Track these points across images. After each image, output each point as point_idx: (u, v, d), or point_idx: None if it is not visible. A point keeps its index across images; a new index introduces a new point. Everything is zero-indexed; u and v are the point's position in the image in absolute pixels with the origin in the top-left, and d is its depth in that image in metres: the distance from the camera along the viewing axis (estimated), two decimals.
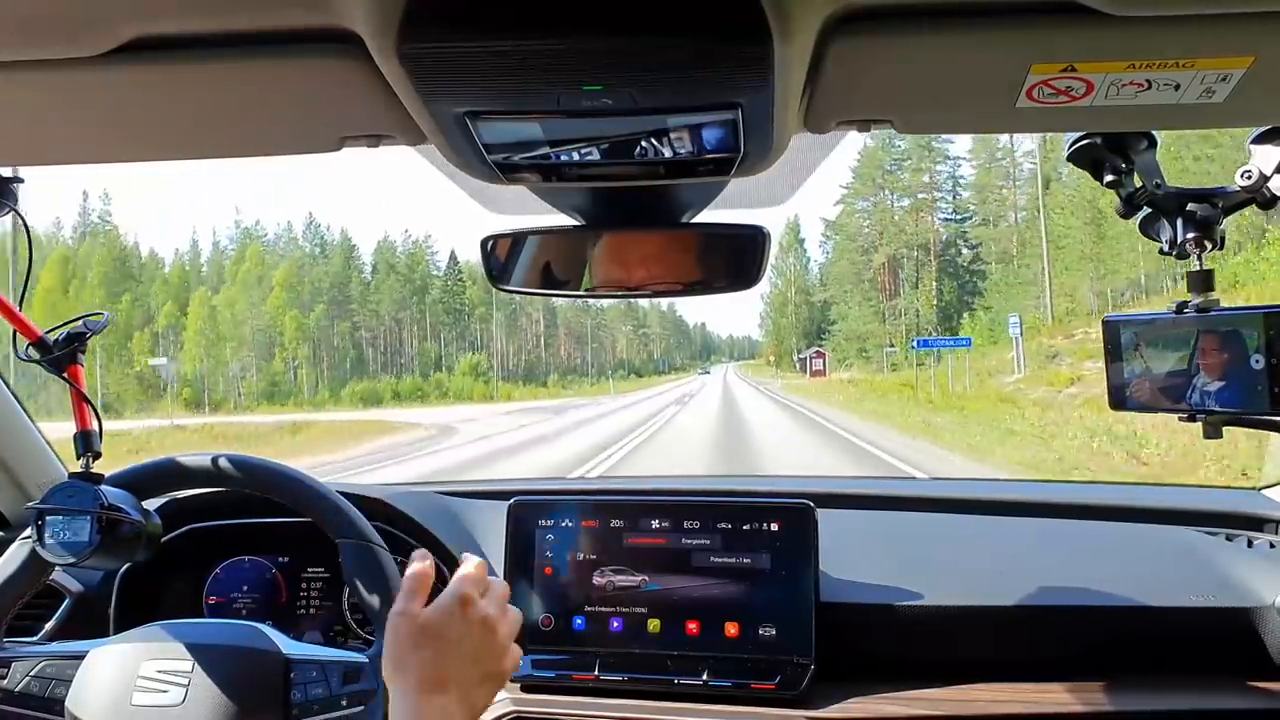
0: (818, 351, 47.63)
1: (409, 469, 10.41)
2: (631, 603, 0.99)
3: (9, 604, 0.77)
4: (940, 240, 45.65)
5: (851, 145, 44.94)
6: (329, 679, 0.74)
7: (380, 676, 0.72)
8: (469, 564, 0.67)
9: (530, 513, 1.04)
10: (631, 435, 12.41)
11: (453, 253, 68.53)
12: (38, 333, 0.79)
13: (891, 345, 41.49)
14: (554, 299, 0.85)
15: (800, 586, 0.96)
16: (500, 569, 1.04)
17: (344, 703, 0.74)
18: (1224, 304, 0.71)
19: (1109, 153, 0.73)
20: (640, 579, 0.99)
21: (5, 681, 0.76)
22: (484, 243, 0.78)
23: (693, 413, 17.59)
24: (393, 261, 59.25)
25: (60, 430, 0.96)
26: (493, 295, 61.18)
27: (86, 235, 50.89)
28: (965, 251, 44.95)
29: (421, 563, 0.66)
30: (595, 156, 0.55)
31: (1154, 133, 0.72)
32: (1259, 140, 0.73)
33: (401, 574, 0.78)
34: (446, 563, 1.07)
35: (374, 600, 0.77)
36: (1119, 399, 0.79)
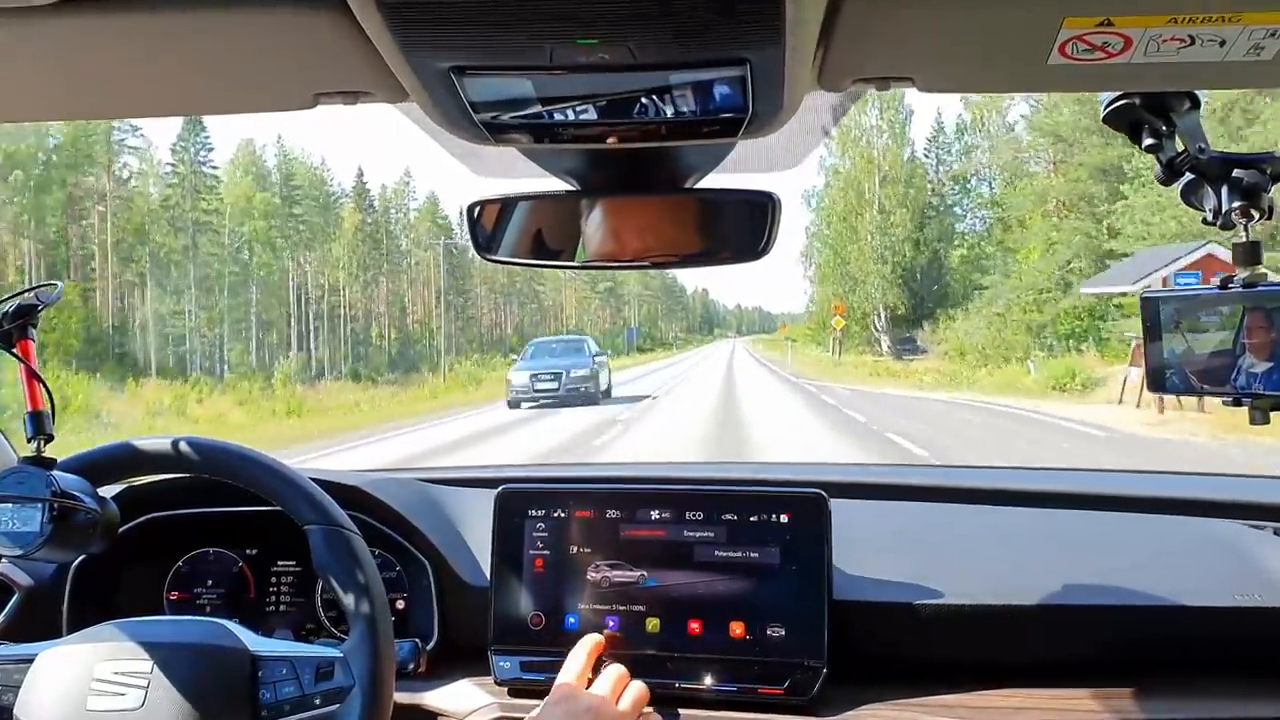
0: None
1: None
2: (628, 600, 1.01)
3: None
4: None
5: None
6: (300, 677, 0.76)
7: (355, 673, 0.75)
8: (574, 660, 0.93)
9: (519, 502, 1.05)
10: None
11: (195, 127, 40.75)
12: None
13: None
14: (546, 269, 0.86)
15: (811, 583, 0.97)
16: (486, 563, 1.06)
17: (317, 701, 0.75)
18: None
19: (1148, 114, 0.74)
20: (638, 574, 1.01)
21: None
22: (470, 209, 0.80)
23: None
24: None
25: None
26: (300, 214, 41.26)
27: None
28: None
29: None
30: (591, 116, 0.56)
31: (1197, 93, 0.73)
32: None
33: (378, 565, 0.82)
34: (426, 555, 1.09)
35: (347, 592, 0.78)
36: (1158, 381, 0.81)
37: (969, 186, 37.05)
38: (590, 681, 0.93)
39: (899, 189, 34.26)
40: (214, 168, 39.23)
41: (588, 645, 0.96)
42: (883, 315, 34.11)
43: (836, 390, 18.42)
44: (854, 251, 34.47)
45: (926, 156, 37.84)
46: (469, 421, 13.62)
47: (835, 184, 35.77)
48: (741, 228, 0.78)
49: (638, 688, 0.93)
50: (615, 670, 0.94)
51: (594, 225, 0.80)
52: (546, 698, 0.91)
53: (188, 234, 36.64)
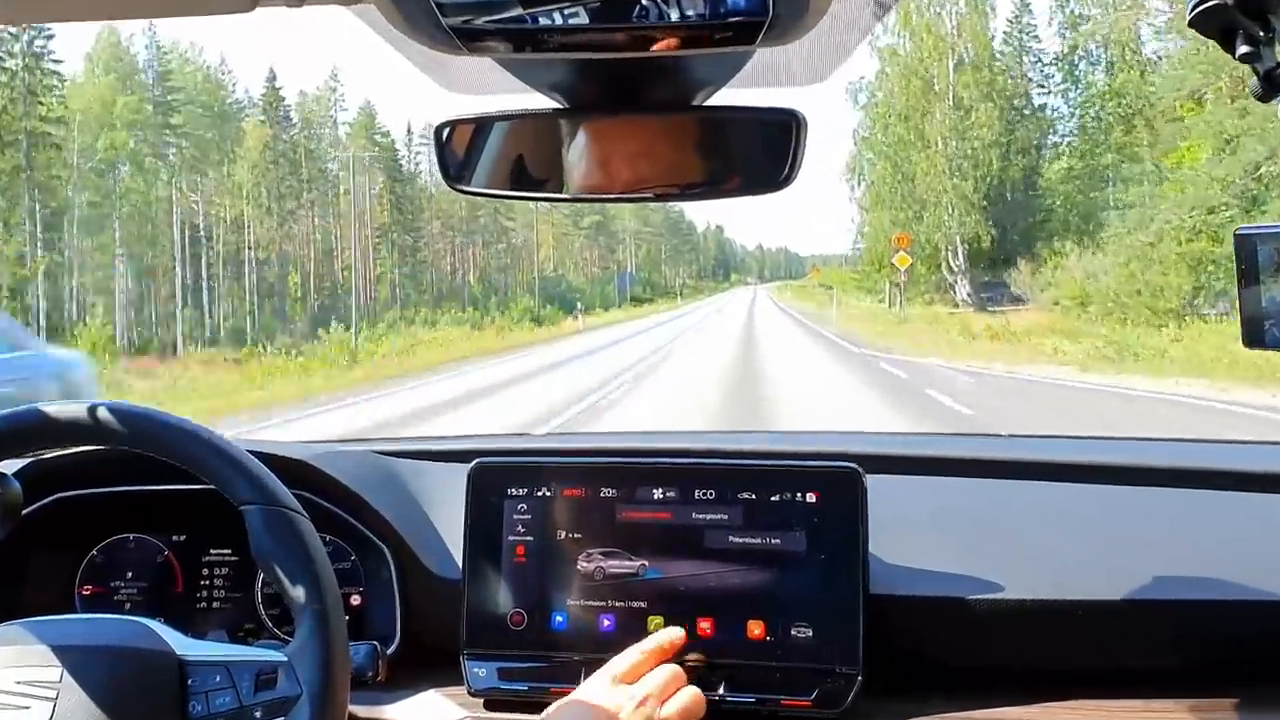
0: None
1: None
2: (627, 595, 1.06)
3: None
4: None
5: None
6: (238, 685, 0.80)
7: (302, 680, 0.79)
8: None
9: (497, 478, 1.10)
10: None
11: None
12: None
13: None
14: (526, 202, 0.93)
15: (844, 574, 1.02)
16: (458, 551, 1.11)
17: (258, 714, 0.79)
18: None
19: (1243, 17, 0.79)
20: (638, 564, 1.06)
21: None
22: (438, 131, 0.83)
23: None
24: None
25: None
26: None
27: None
28: None
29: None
30: (581, 21, 0.59)
31: None
32: None
33: (330, 554, 0.86)
34: (386, 541, 1.14)
35: (293, 585, 0.82)
36: (1255, 334, 0.84)
37: (1076, 72, 34.03)
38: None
39: (981, 75, 30.81)
40: (57, 61, 36.06)
41: (656, 639, 1.01)
42: (960, 251, 31.12)
43: (935, 371, 13.64)
44: (921, 163, 31.02)
45: (1007, 44, 34.79)
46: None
47: (893, 71, 31.84)
48: (758, 153, 0.83)
49: (691, 694, 0.98)
50: (668, 670, 0.98)
51: (584, 150, 0.84)
52: (583, 683, 0.97)
53: (20, 150, 33.70)
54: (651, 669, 0.99)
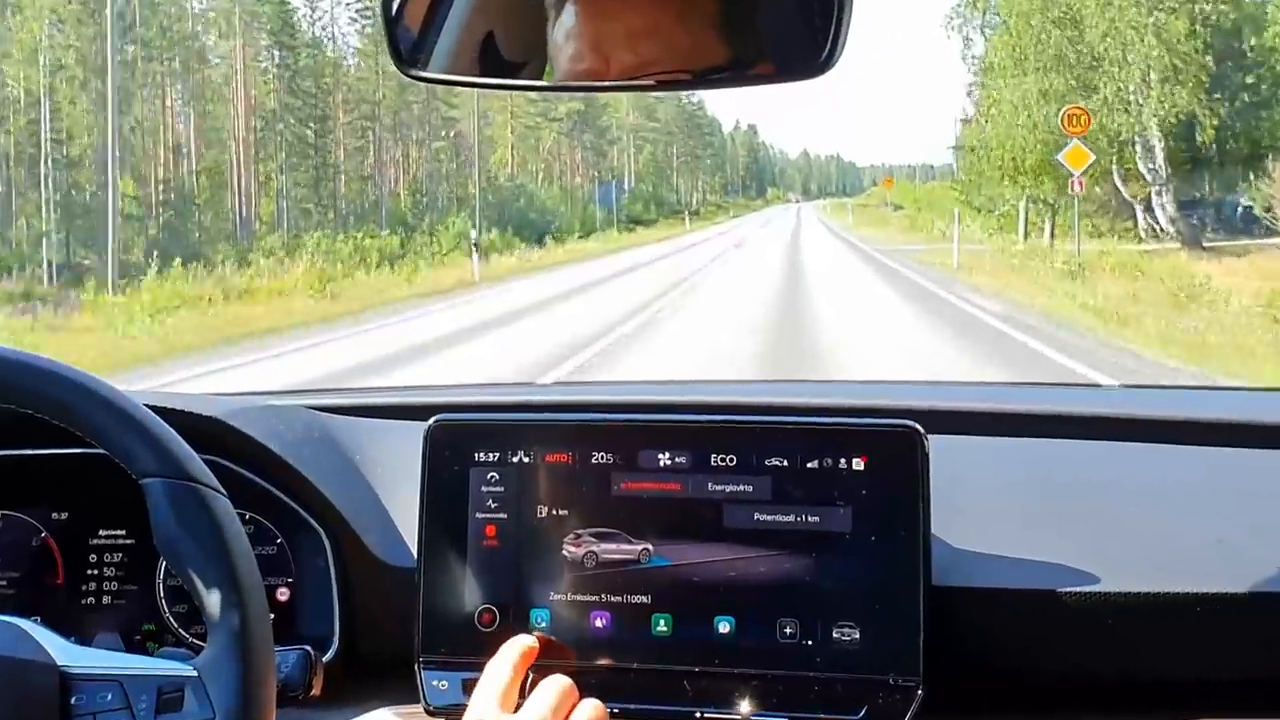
0: None
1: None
2: (626, 587, 1.14)
3: None
4: None
5: None
6: (134, 705, 0.87)
7: (215, 699, 0.85)
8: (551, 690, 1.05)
9: (462, 440, 1.17)
10: None
11: None
12: None
13: None
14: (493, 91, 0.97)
15: (900, 561, 1.10)
16: (411, 532, 1.18)
17: None
18: None
19: None
20: (640, 549, 1.14)
21: None
22: (387, 2, 0.90)
23: None
24: None
25: None
26: None
27: None
28: None
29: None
30: None
31: None
32: None
33: (251, 536, 0.93)
34: (322, 520, 1.22)
35: (206, 578, 0.89)
36: None
37: None
38: (519, 705, 1.06)
39: None
40: None
41: (513, 652, 1.09)
42: (1157, 148, 26.53)
43: None
44: None
45: None
46: None
47: None
48: (791, 27, 0.90)
49: (592, 707, 1.05)
50: (556, 684, 1.06)
51: (571, 26, 0.90)
52: None
53: None
54: (518, 685, 1.09)
